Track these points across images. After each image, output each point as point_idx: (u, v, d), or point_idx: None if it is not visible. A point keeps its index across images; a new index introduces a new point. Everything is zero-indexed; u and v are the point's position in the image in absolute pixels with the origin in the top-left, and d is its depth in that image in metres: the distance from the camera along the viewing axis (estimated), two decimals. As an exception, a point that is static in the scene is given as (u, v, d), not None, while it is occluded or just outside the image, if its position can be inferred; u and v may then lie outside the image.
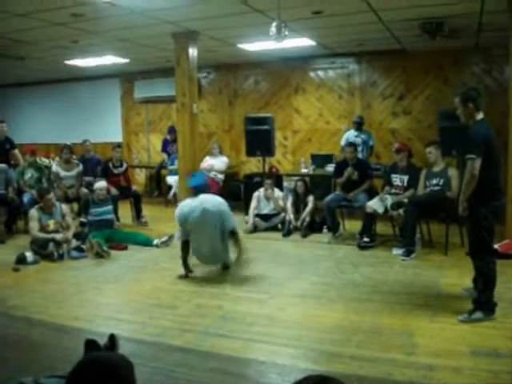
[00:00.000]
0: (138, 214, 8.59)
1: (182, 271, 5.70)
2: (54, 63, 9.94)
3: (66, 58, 9.49)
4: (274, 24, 5.73)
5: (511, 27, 6.17)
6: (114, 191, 8.20)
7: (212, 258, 5.65)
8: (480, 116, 4.17)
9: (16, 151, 8.72)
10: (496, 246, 5.43)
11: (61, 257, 6.38)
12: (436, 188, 6.43)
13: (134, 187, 8.61)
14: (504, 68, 8.31)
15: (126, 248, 6.97)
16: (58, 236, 6.50)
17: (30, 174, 8.29)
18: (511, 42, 6.22)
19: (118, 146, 9.15)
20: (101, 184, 7.47)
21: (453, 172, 6.47)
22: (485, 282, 4.17)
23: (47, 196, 6.68)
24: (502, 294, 4.45)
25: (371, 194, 7.29)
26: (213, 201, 5.59)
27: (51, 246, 6.37)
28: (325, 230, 7.51)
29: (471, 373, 3.29)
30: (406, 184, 6.80)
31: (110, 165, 8.57)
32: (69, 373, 1.53)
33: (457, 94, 4.29)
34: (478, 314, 4.14)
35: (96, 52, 8.91)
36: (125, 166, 8.77)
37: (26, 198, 7.92)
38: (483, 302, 4.16)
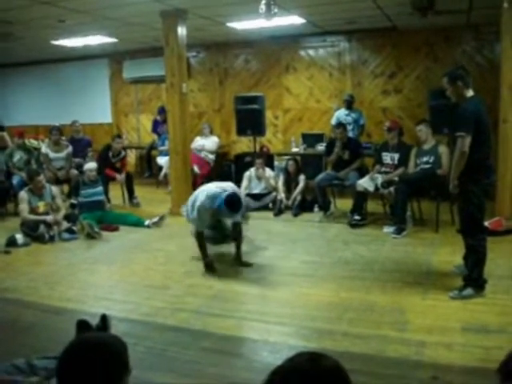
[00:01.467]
0: (130, 194, 8.57)
1: (173, 251, 5.72)
2: (41, 43, 9.78)
3: (54, 38, 9.33)
4: (264, 1, 5.67)
5: (502, 4, 6.14)
6: (119, 177, 8.32)
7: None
8: (470, 93, 4.16)
9: (4, 133, 8.64)
10: (486, 223, 5.46)
11: (52, 239, 6.37)
12: (427, 166, 6.46)
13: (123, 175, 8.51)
14: (495, 45, 8.28)
15: (117, 229, 6.96)
16: (49, 218, 6.47)
17: (18, 156, 8.23)
18: (502, 19, 6.20)
19: (119, 136, 8.91)
20: (91, 165, 7.42)
21: (443, 149, 6.49)
22: (475, 259, 4.21)
23: (37, 178, 6.63)
24: (492, 270, 4.49)
25: (362, 172, 7.31)
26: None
27: (42, 227, 6.35)
28: (316, 209, 7.53)
29: (462, 349, 3.33)
30: (396, 162, 6.81)
31: (110, 154, 8.47)
32: (60, 353, 1.53)
33: (444, 74, 4.28)
34: (469, 291, 4.18)
35: (83, 32, 8.77)
36: (123, 154, 8.70)
37: (15, 181, 7.88)
38: (474, 278, 4.20)
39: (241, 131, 8.28)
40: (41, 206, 6.62)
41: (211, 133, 10.15)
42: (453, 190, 4.24)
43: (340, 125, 7.75)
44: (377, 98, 9.61)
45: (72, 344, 1.56)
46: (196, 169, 9.18)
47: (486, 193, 4.26)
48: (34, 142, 9.63)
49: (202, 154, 9.69)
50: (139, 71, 11.20)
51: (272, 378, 1.31)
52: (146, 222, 7.06)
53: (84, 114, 11.37)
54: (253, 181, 8.02)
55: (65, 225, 6.59)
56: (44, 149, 8.50)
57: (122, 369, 1.55)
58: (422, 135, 6.62)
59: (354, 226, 6.71)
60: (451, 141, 6.64)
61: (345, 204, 7.58)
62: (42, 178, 6.73)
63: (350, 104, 8.84)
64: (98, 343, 1.58)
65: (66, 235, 6.48)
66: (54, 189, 6.97)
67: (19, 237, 6.24)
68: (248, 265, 5.33)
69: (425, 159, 6.50)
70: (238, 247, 5.38)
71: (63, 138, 8.88)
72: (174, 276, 5.07)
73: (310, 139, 9.40)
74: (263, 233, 6.64)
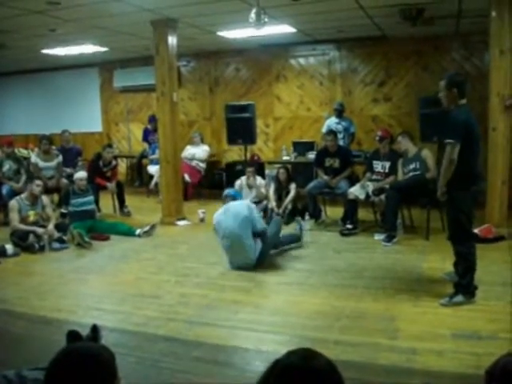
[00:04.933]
0: (121, 204, 8.55)
1: (164, 260, 5.72)
2: (31, 52, 9.77)
3: (44, 47, 9.33)
4: (254, 11, 5.69)
5: (490, 13, 6.20)
6: (110, 185, 8.31)
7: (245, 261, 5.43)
8: (463, 102, 4.17)
9: (-6, 142, 8.60)
10: (476, 231, 5.50)
11: (42, 248, 6.32)
12: (415, 173, 6.49)
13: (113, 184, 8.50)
14: (483, 54, 8.36)
15: (107, 238, 6.93)
16: (40, 230, 6.43)
17: (8, 165, 8.16)
18: (491, 27, 6.25)
19: (109, 145, 8.91)
20: (81, 174, 7.40)
21: (426, 152, 6.58)
22: (465, 267, 4.22)
23: (37, 180, 6.72)
24: (482, 277, 4.50)
25: (352, 180, 7.34)
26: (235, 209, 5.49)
27: (31, 237, 6.31)
28: (307, 217, 7.53)
29: (453, 356, 3.34)
30: (387, 170, 6.84)
31: (101, 164, 8.45)
32: (48, 363, 1.51)
33: (443, 77, 4.29)
34: (459, 298, 4.19)
35: (74, 41, 8.77)
36: (114, 163, 8.68)
37: (4, 190, 7.82)
38: (464, 285, 4.21)
39: (232, 140, 8.29)
40: (31, 216, 6.59)
41: (202, 141, 10.16)
42: (441, 197, 4.26)
43: (331, 132, 7.77)
44: (367, 107, 9.67)
45: (59, 355, 1.54)
46: (187, 177, 9.19)
47: (475, 200, 4.29)
48: (24, 152, 9.61)
49: (193, 163, 9.69)
50: (130, 80, 11.21)
51: (267, 376, 1.37)
52: (137, 231, 7.03)
53: (74, 122, 11.36)
54: (244, 189, 8.01)
55: (55, 234, 6.55)
56: (34, 158, 8.46)
57: (111, 378, 1.54)
58: (400, 147, 6.72)
59: (345, 234, 6.72)
60: (441, 148, 6.69)
61: (335, 212, 7.60)
62: (40, 183, 6.76)
63: (340, 113, 8.88)
64: (85, 353, 1.57)
65: (56, 245, 6.44)
66: (45, 198, 6.94)
67: (9, 247, 6.18)
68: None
69: (411, 167, 6.55)
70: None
71: (53, 147, 8.84)
72: (165, 285, 5.05)
73: (301, 147, 9.43)
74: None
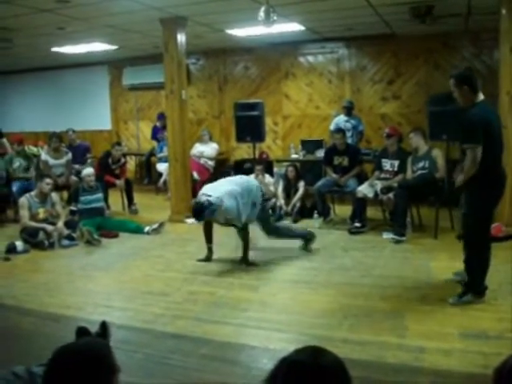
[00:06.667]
0: (129, 201, 8.58)
1: (173, 258, 5.73)
2: (40, 50, 9.82)
3: (53, 45, 9.36)
4: (263, 9, 5.68)
5: (500, 10, 6.16)
6: (118, 183, 8.36)
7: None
8: (480, 98, 4.03)
9: (4, 140, 8.64)
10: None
11: (51, 245, 6.37)
12: (424, 171, 6.47)
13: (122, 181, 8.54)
14: (493, 51, 8.30)
15: (116, 236, 6.95)
16: (49, 227, 6.47)
17: (18, 162, 8.23)
18: (501, 25, 6.21)
19: (118, 143, 8.99)
20: (88, 170, 7.44)
21: (437, 152, 6.55)
22: (477, 264, 4.17)
23: (46, 179, 6.76)
24: (492, 276, 4.45)
25: (361, 178, 7.32)
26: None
27: (41, 234, 6.35)
28: (315, 215, 7.52)
29: (461, 355, 3.33)
30: (396, 169, 6.82)
31: (110, 161, 8.51)
32: (48, 360, 1.53)
33: (450, 75, 4.17)
34: (468, 297, 4.17)
35: (83, 39, 8.80)
36: (122, 161, 8.75)
37: (14, 187, 7.87)
38: (475, 284, 4.18)
39: (240, 138, 8.27)
40: (41, 213, 6.63)
41: (211, 139, 10.17)
42: (458, 184, 4.16)
43: (339, 130, 7.75)
44: (376, 105, 9.64)
45: (56, 353, 1.56)
46: (196, 175, 9.20)
47: (495, 204, 4.22)
48: (34, 149, 9.64)
49: (202, 161, 9.71)
50: (139, 78, 11.24)
51: (275, 373, 1.39)
52: (146, 229, 7.05)
53: (83, 120, 11.42)
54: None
55: (64, 232, 6.59)
56: (43, 155, 8.50)
57: (108, 371, 1.56)
58: (412, 143, 6.71)
59: (354, 233, 6.71)
60: (450, 147, 6.67)
61: (344, 210, 7.59)
62: (50, 181, 6.82)
63: (349, 110, 8.84)
64: (81, 349, 1.59)
65: (65, 242, 6.48)
66: (54, 196, 6.98)
67: (19, 244, 6.24)
68: (252, 264, 5.51)
69: (420, 165, 6.53)
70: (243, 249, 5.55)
71: (63, 144, 8.89)
72: (173, 283, 5.06)
73: (310, 145, 9.41)
74: (262, 239, 6.62)
